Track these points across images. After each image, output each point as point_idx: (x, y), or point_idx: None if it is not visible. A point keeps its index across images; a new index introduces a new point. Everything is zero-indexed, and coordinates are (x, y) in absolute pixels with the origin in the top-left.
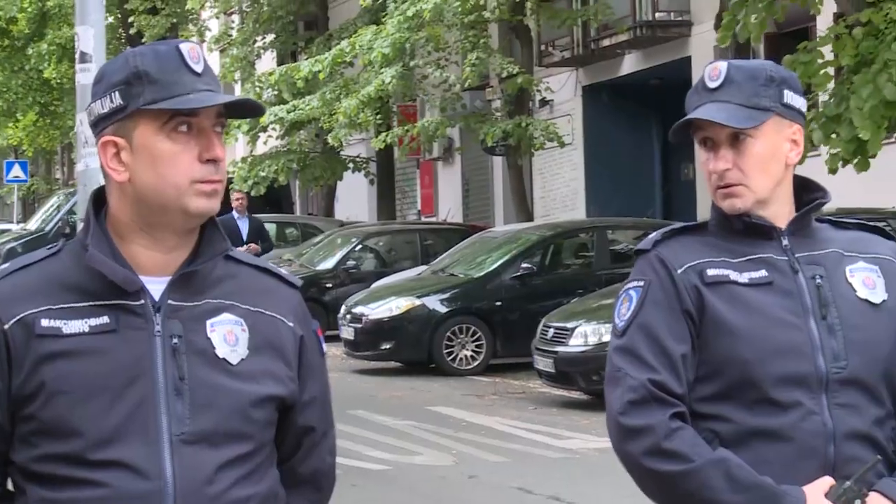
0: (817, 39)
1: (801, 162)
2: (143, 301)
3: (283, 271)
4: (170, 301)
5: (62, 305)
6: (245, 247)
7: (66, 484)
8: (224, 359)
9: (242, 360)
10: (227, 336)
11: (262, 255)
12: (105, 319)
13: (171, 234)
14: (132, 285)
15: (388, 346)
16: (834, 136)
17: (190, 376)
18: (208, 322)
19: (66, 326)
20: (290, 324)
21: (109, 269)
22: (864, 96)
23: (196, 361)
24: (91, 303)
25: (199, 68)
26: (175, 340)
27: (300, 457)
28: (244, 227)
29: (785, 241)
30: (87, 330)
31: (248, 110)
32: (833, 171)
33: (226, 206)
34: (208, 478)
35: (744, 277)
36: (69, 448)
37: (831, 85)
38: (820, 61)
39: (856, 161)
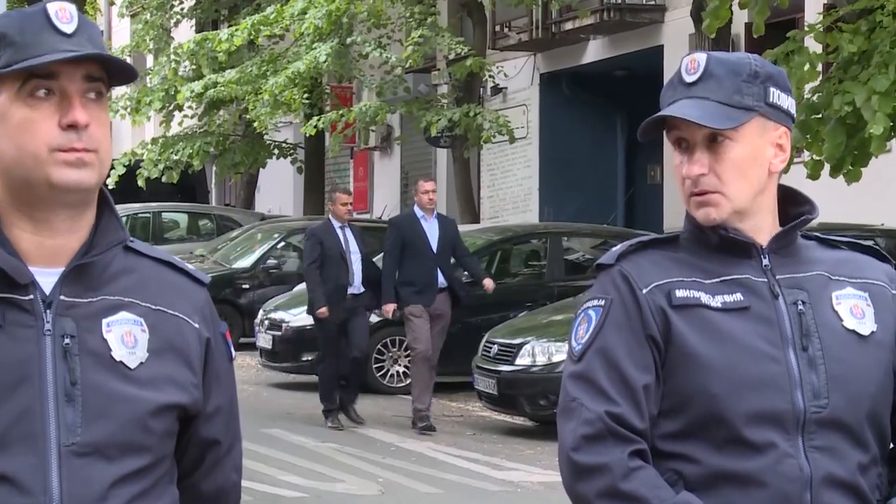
0: (805, 29)
1: (786, 170)
2: (32, 296)
3: (190, 266)
4: (62, 297)
5: None
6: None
7: None
8: (121, 362)
9: (141, 363)
10: (125, 337)
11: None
12: None
13: (51, 215)
14: (23, 277)
15: (310, 358)
16: (820, 143)
17: (83, 381)
18: (104, 321)
19: None
20: (196, 325)
21: None
22: (876, 88)
23: (90, 364)
24: None
25: (68, 28)
26: (67, 340)
27: (203, 472)
28: (432, 230)
29: (765, 261)
30: None
31: (120, 73)
32: (815, 176)
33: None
34: (100, 494)
35: (716, 301)
36: None
37: (817, 81)
38: (812, 50)
39: (846, 171)
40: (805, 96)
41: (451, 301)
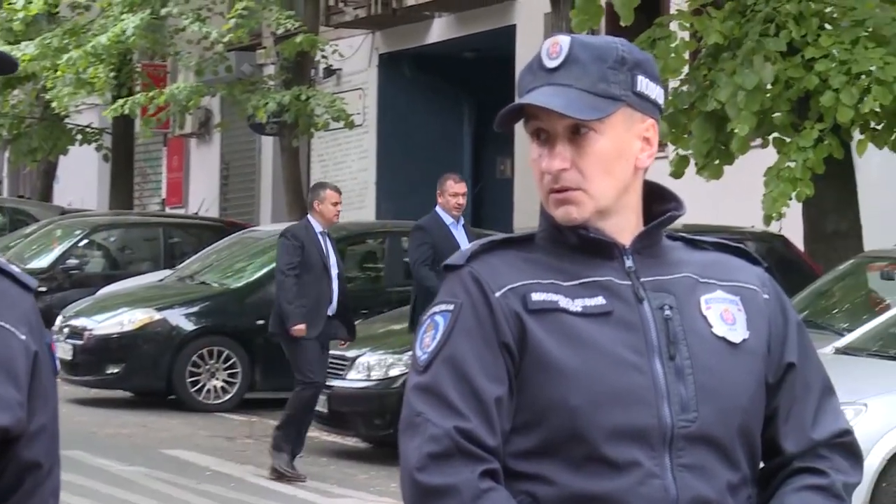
0: (672, 13)
1: None
2: None
3: (15, 269)
4: None
5: None
6: None
7: None
8: None
9: None
10: None
11: None
12: None
13: None
14: None
15: (115, 371)
16: (686, 135)
17: None
18: None
19: None
20: (23, 336)
21: None
22: (740, 82)
23: None
24: None
25: None
26: None
27: (19, 499)
28: (462, 239)
29: (628, 262)
30: None
31: None
32: (678, 174)
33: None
34: None
35: (576, 305)
36: None
37: (685, 70)
38: (681, 37)
39: (705, 168)
40: (672, 86)
41: None
